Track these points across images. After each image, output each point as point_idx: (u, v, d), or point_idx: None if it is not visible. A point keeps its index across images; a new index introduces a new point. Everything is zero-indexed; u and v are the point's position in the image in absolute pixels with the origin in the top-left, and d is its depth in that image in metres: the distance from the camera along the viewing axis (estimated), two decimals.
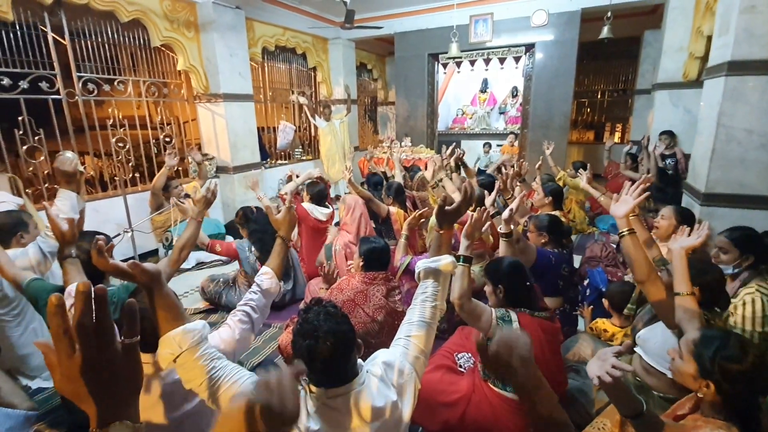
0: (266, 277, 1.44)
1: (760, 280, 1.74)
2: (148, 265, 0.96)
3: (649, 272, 1.57)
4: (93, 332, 0.48)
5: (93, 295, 0.48)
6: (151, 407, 1.19)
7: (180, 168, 4.80)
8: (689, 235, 1.65)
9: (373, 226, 3.33)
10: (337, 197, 5.59)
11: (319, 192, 3.46)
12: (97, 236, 1.15)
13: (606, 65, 7.72)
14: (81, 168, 1.97)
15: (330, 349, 1.04)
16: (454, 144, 4.36)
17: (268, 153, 6.18)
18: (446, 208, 1.26)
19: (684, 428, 1.11)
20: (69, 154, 1.88)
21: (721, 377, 1.08)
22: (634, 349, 1.69)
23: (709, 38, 3.60)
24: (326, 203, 3.52)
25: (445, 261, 1.25)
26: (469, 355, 2.04)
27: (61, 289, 1.67)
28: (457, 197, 2.21)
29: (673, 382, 1.55)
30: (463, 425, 1.70)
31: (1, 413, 0.94)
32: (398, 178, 4.16)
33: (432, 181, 3.79)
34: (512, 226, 2.11)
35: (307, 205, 3.40)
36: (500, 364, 0.78)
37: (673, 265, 1.57)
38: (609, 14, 4.41)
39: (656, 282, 1.56)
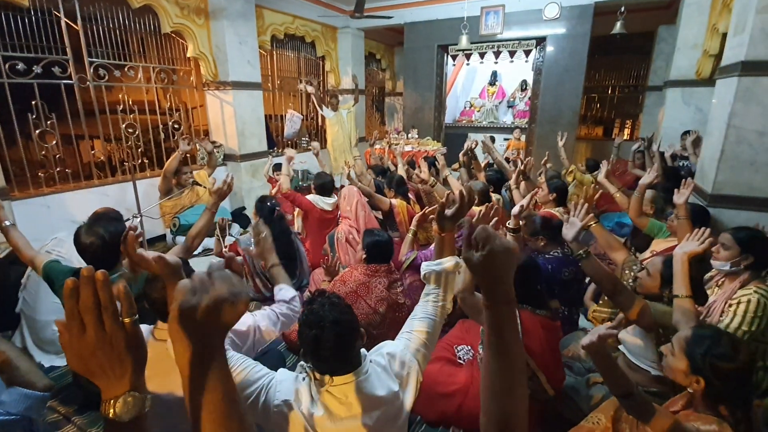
0: (286, 290, 1.55)
1: (759, 282, 1.75)
2: (170, 257, 1.00)
3: (614, 286, 1.62)
4: (98, 312, 0.53)
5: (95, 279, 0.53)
6: (174, 373, 1.23)
7: (189, 155, 4.84)
8: (690, 239, 1.67)
9: (380, 218, 3.35)
10: (342, 187, 5.61)
11: (324, 183, 3.48)
12: (129, 226, 1.20)
13: (618, 60, 7.59)
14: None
15: (335, 338, 1.07)
16: (473, 142, 4.34)
17: (274, 141, 6.20)
18: (446, 211, 1.29)
19: (676, 419, 1.14)
20: None
21: (711, 374, 1.12)
22: (618, 347, 1.76)
23: (725, 36, 3.54)
24: (332, 194, 3.55)
25: (448, 263, 1.29)
26: (469, 347, 2.08)
27: (77, 273, 1.72)
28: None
29: (655, 377, 1.60)
30: (460, 416, 1.75)
31: (19, 393, 0.99)
32: (401, 172, 4.17)
33: (430, 179, 3.56)
34: (520, 222, 2.13)
35: (312, 197, 3.42)
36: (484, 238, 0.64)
37: (674, 269, 1.60)
38: (622, 9, 4.34)
39: (623, 293, 1.62)
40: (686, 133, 4.61)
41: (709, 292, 1.94)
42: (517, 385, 0.67)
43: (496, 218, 1.99)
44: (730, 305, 1.73)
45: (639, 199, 2.63)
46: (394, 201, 3.34)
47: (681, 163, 4.61)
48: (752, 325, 1.64)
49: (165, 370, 1.18)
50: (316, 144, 4.95)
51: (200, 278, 0.56)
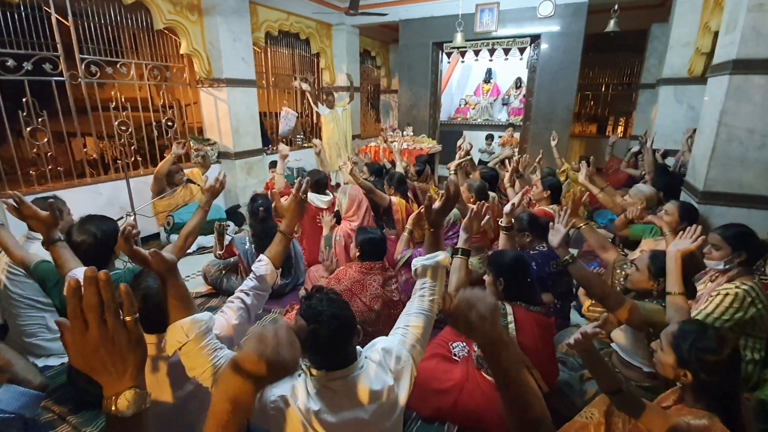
0: (261, 264, 1.46)
1: (746, 278, 1.77)
2: (167, 254, 1.00)
3: (602, 289, 1.64)
4: (100, 311, 0.54)
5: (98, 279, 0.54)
6: (157, 386, 1.23)
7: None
8: (682, 236, 1.69)
9: (372, 215, 3.36)
10: (338, 185, 5.60)
11: (320, 180, 3.48)
12: (127, 222, 1.21)
13: (611, 58, 7.64)
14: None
15: (333, 332, 1.09)
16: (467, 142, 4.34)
17: (269, 139, 6.17)
18: (433, 207, 1.30)
19: (666, 414, 1.16)
20: None
21: (697, 367, 1.15)
22: (611, 345, 1.79)
23: (717, 34, 3.57)
24: (326, 191, 3.54)
25: (439, 257, 1.30)
26: (464, 344, 2.09)
27: None
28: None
29: (647, 374, 1.62)
30: (455, 412, 1.76)
31: (15, 391, 0.99)
32: (399, 169, 4.18)
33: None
34: (512, 220, 2.15)
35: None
36: (459, 318, 0.77)
37: (667, 267, 1.62)
38: (616, 7, 4.36)
39: (611, 296, 1.63)
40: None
41: (702, 286, 1.97)
42: (528, 397, 0.76)
43: (488, 216, 2.00)
44: (711, 296, 1.76)
45: (622, 219, 2.76)
46: (393, 198, 3.35)
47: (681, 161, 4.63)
48: (725, 314, 1.67)
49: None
50: (317, 141, 4.94)
51: (274, 334, 0.68)
